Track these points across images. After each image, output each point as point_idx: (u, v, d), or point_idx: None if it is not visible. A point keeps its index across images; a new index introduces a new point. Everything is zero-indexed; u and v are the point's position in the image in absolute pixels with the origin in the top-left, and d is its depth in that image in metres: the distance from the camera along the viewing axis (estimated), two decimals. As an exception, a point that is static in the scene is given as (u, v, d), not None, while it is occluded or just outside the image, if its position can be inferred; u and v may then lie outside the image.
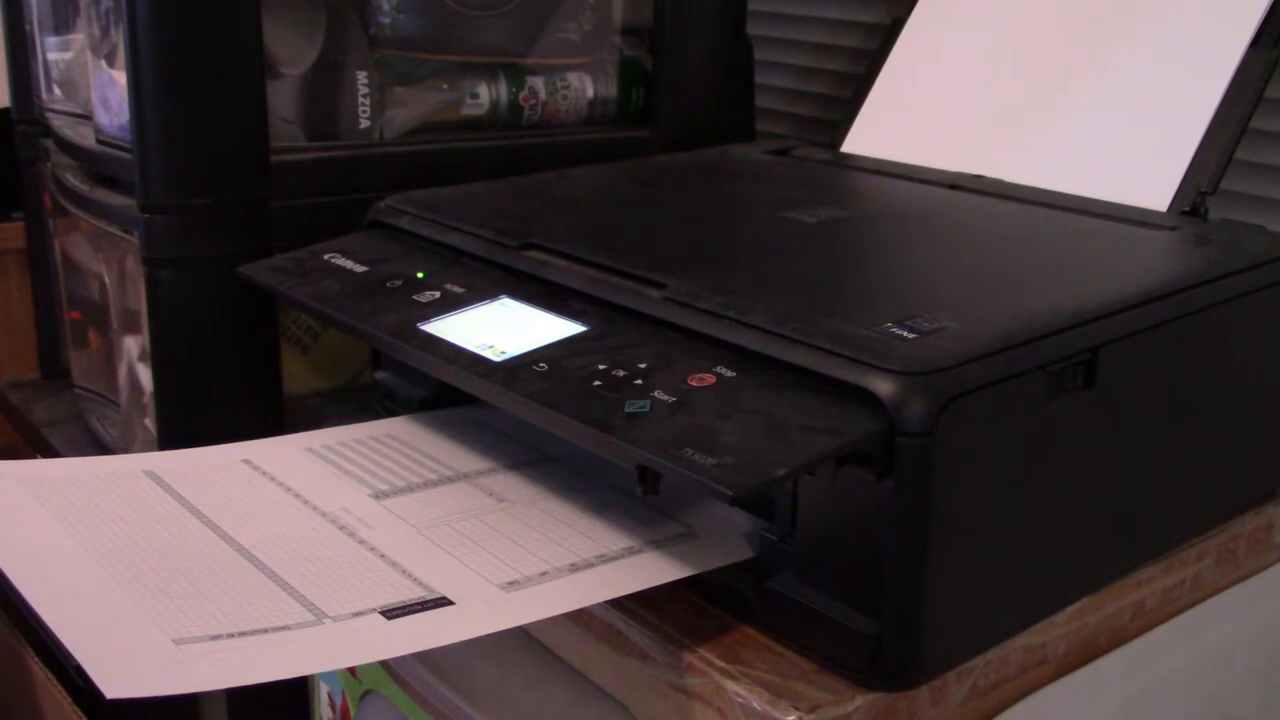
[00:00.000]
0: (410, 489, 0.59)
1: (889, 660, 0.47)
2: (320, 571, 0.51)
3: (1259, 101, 0.68)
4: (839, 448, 0.44)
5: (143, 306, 0.74)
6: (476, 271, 0.61)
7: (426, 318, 0.58)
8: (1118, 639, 0.58)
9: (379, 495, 0.58)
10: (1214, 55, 0.70)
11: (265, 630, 0.47)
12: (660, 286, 0.54)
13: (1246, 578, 0.65)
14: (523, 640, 0.61)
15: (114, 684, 0.43)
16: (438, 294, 0.60)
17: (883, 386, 0.44)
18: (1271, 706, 0.69)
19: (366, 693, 0.70)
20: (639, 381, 0.49)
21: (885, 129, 0.82)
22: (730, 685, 0.49)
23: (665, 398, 0.47)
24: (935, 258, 0.63)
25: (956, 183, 0.74)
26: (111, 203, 0.77)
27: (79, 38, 0.92)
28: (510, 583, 0.51)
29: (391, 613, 0.48)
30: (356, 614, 0.48)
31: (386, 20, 0.81)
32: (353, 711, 0.71)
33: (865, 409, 0.45)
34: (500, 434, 0.64)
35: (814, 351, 0.47)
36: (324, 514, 0.56)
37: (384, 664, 0.67)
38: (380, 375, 0.70)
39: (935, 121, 0.80)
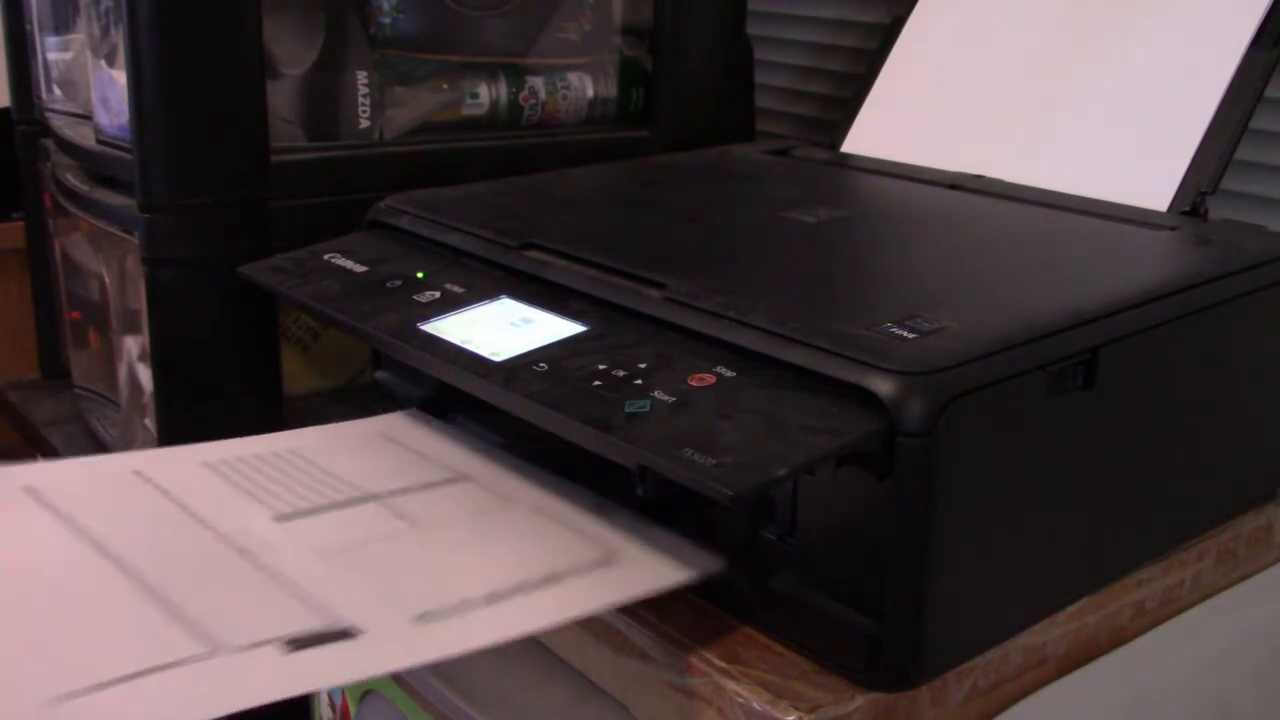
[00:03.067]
0: (315, 511, 0.55)
1: (889, 660, 0.47)
2: (216, 598, 0.47)
3: (1259, 101, 0.68)
4: (839, 448, 0.44)
5: (143, 306, 0.74)
6: (476, 271, 0.61)
7: (426, 318, 0.58)
8: (1118, 639, 0.58)
9: (281, 517, 0.54)
10: (1214, 55, 0.70)
11: (155, 669, 0.42)
12: (660, 286, 0.54)
13: (1246, 578, 0.65)
14: (523, 640, 0.61)
15: None
16: (438, 294, 0.60)
17: (883, 386, 0.44)
18: (1271, 706, 0.69)
19: (367, 693, 0.70)
20: (639, 381, 0.49)
21: (885, 129, 0.82)
22: (730, 685, 0.49)
23: (665, 398, 0.47)
24: (935, 258, 0.63)
25: (956, 183, 0.74)
26: (111, 203, 0.77)
27: (79, 38, 0.92)
28: (423, 614, 0.47)
29: (293, 644, 0.44)
30: (254, 645, 0.44)
31: (386, 20, 0.81)
32: (353, 711, 0.71)
33: (865, 409, 0.45)
34: (414, 453, 0.61)
35: (814, 351, 0.47)
36: (222, 535, 0.52)
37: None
38: (380, 375, 0.70)
39: (935, 121, 0.80)
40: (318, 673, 0.44)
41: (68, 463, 0.59)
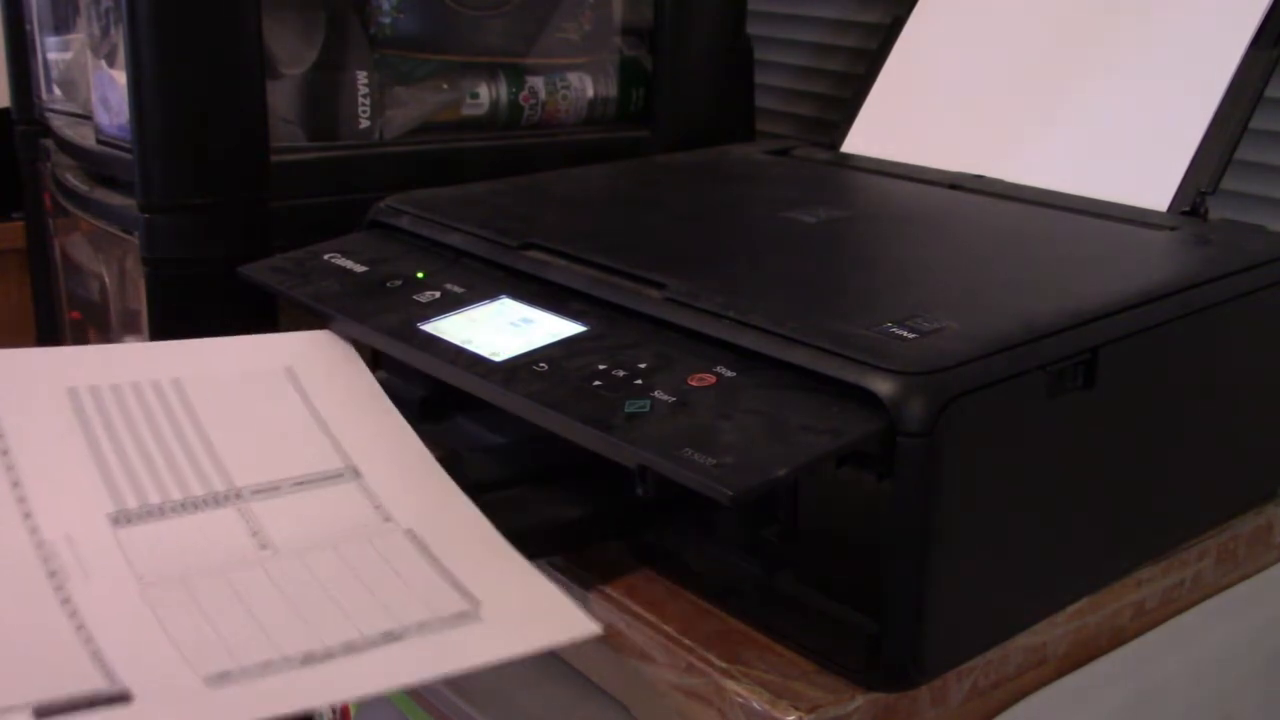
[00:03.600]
0: (162, 511, 0.49)
1: (889, 660, 0.47)
2: None
3: (1259, 101, 0.68)
4: (839, 448, 0.44)
5: (143, 306, 0.74)
6: (476, 271, 0.61)
7: (426, 318, 0.58)
8: (1118, 639, 0.58)
9: (119, 518, 0.48)
10: (1214, 55, 0.70)
11: None
12: (660, 286, 0.54)
13: (1246, 578, 0.65)
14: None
15: None
16: (438, 294, 0.60)
17: (883, 386, 0.44)
18: (1271, 707, 0.69)
19: (366, 693, 0.70)
20: (639, 381, 0.49)
21: (885, 129, 0.82)
22: (730, 685, 0.49)
23: (665, 398, 0.47)
24: (935, 258, 0.63)
25: (956, 183, 0.74)
26: (111, 203, 0.77)
27: (79, 38, 0.92)
28: (220, 674, 0.41)
29: (46, 711, 0.38)
30: (2, 712, 0.39)
31: (386, 20, 0.81)
32: (353, 711, 0.71)
33: (865, 409, 0.45)
34: (309, 413, 0.55)
35: (814, 351, 0.47)
36: (40, 544, 0.46)
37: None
38: (380, 375, 0.70)
39: (935, 121, 0.80)
40: None
41: None
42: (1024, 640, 0.53)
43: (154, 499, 0.49)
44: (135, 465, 0.50)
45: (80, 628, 0.43)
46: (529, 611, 0.46)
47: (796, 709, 0.47)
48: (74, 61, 0.95)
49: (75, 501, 0.48)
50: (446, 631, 0.45)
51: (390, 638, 0.44)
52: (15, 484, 0.48)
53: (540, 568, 0.49)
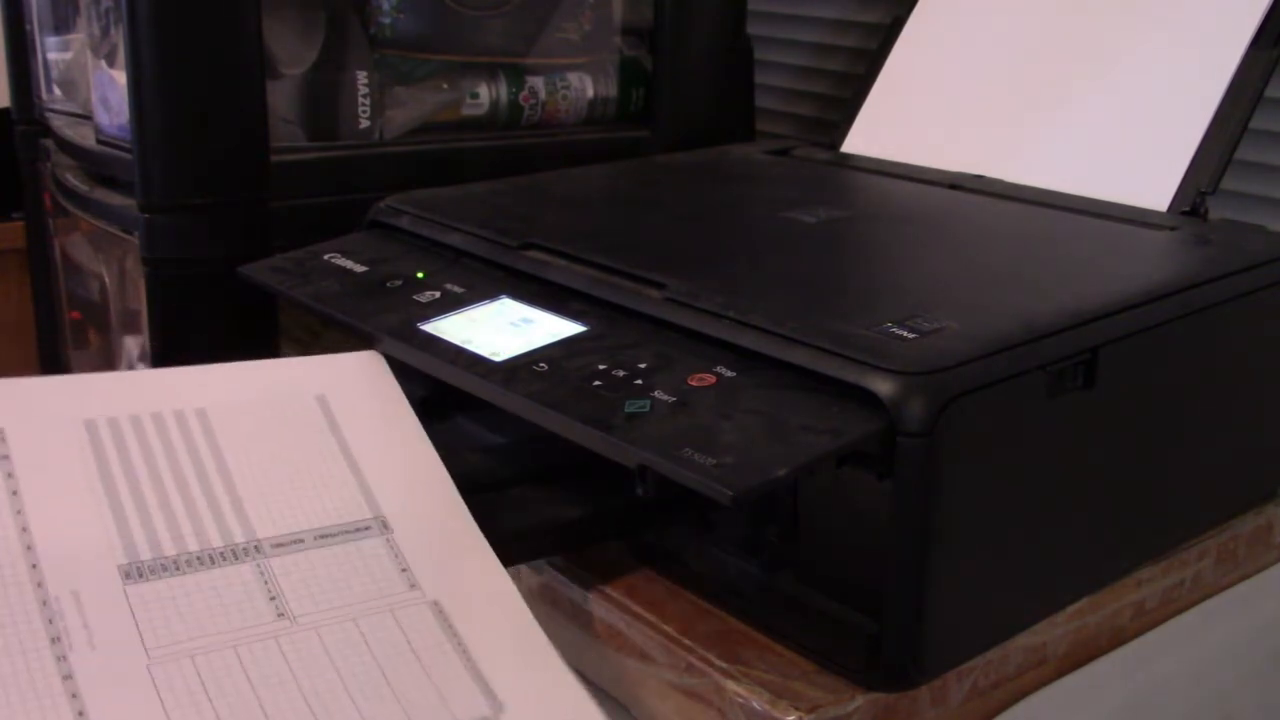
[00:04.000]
0: (177, 566, 0.45)
1: (889, 660, 0.47)
2: None
3: (1259, 101, 0.68)
4: (839, 448, 0.44)
5: (143, 306, 0.74)
6: (476, 271, 0.61)
7: (426, 318, 0.58)
8: (1118, 639, 0.58)
9: (130, 573, 0.45)
10: (1214, 55, 0.70)
11: None
12: (660, 286, 0.54)
13: (1246, 578, 0.65)
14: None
15: None
16: (438, 294, 0.60)
17: (883, 386, 0.44)
18: (1271, 706, 0.69)
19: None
20: (639, 381, 0.49)
21: (885, 129, 0.82)
22: (730, 685, 0.49)
23: (665, 398, 0.47)
24: (935, 258, 0.63)
25: (956, 183, 0.74)
26: (111, 203, 0.77)
27: (79, 38, 0.92)
28: None
29: None
30: None
31: (386, 20, 0.81)
32: None
33: (865, 409, 0.45)
34: (337, 450, 0.52)
35: (814, 351, 0.47)
36: (44, 602, 0.43)
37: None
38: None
39: (935, 121, 0.80)
40: None
41: None
42: (1024, 640, 0.53)
43: (169, 550, 0.46)
44: (151, 509, 0.47)
45: (80, 714, 0.40)
46: (552, 716, 0.44)
47: (796, 709, 0.47)
48: (74, 61, 0.95)
49: (86, 550, 0.45)
50: None
51: None
52: (24, 529, 0.45)
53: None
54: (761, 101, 1.10)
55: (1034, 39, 0.78)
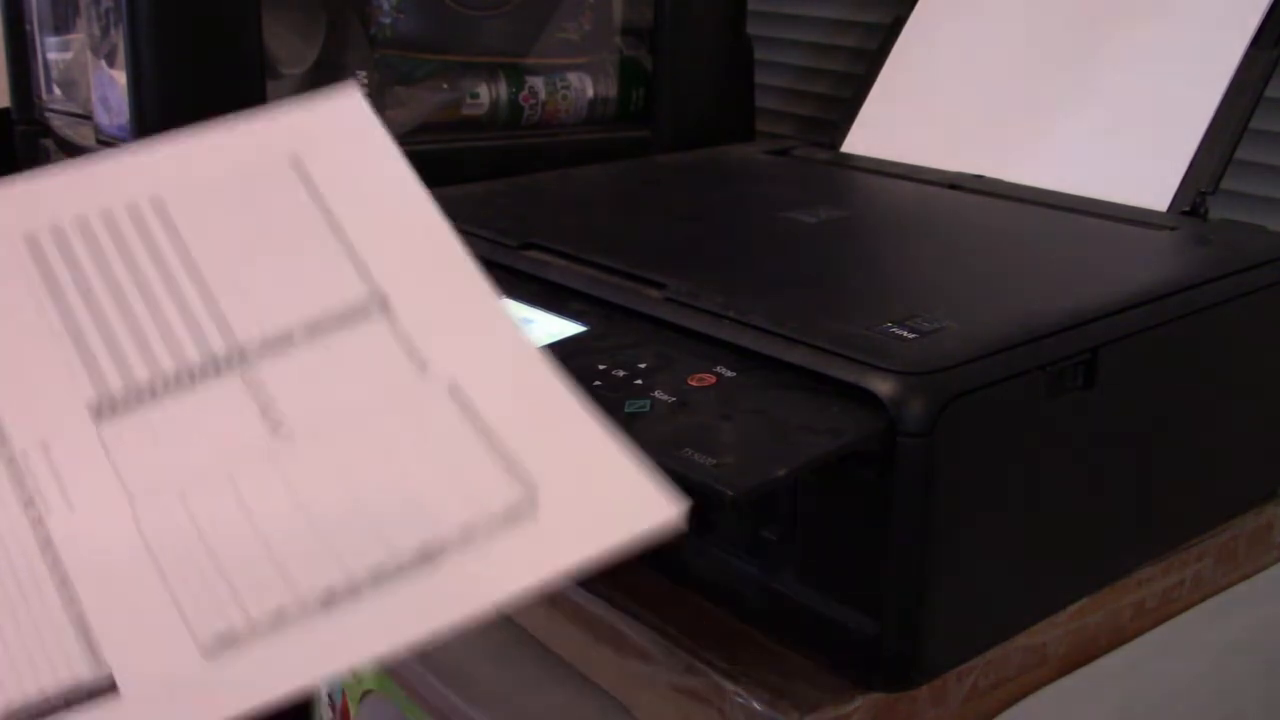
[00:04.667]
0: (153, 392, 0.39)
1: (889, 660, 0.47)
2: None
3: (1259, 101, 0.68)
4: (839, 448, 0.44)
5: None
6: (476, 271, 0.61)
7: (426, 318, 0.58)
8: (1118, 639, 0.58)
9: (103, 408, 0.39)
10: (1214, 55, 0.70)
11: None
12: (660, 286, 0.54)
13: (1246, 578, 0.65)
14: (523, 640, 0.61)
15: None
16: (438, 294, 0.60)
17: (883, 386, 0.44)
18: (1272, 706, 0.69)
19: (366, 693, 0.70)
20: (639, 381, 0.49)
21: (885, 129, 0.82)
22: (730, 685, 0.49)
23: (665, 398, 0.47)
24: (935, 258, 0.63)
25: (956, 183, 0.74)
26: (111, 203, 0.77)
27: (79, 38, 0.92)
28: (223, 635, 0.34)
29: (18, 717, 0.32)
30: None
31: (386, 20, 0.81)
32: (353, 711, 0.71)
33: (865, 409, 0.45)
34: (319, 218, 0.44)
35: (814, 351, 0.47)
36: (9, 459, 0.37)
37: (384, 664, 0.67)
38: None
39: (935, 121, 0.80)
40: None
41: None
42: (1024, 640, 0.53)
43: (142, 374, 0.40)
44: (116, 330, 0.41)
45: (64, 581, 0.35)
46: (594, 497, 0.38)
47: (796, 709, 0.47)
48: (74, 61, 0.95)
49: (49, 391, 0.39)
50: (493, 540, 0.36)
51: (425, 556, 0.36)
52: None
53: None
54: (761, 101, 1.10)
55: (1034, 39, 0.78)
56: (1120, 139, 0.71)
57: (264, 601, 0.34)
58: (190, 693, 0.33)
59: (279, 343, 0.41)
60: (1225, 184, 0.68)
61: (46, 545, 0.36)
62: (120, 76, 0.75)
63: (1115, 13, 0.75)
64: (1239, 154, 0.68)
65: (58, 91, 0.98)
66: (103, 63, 0.79)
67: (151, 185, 0.44)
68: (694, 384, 0.48)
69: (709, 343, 0.50)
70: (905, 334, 0.48)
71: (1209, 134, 0.68)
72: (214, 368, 0.40)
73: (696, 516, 0.54)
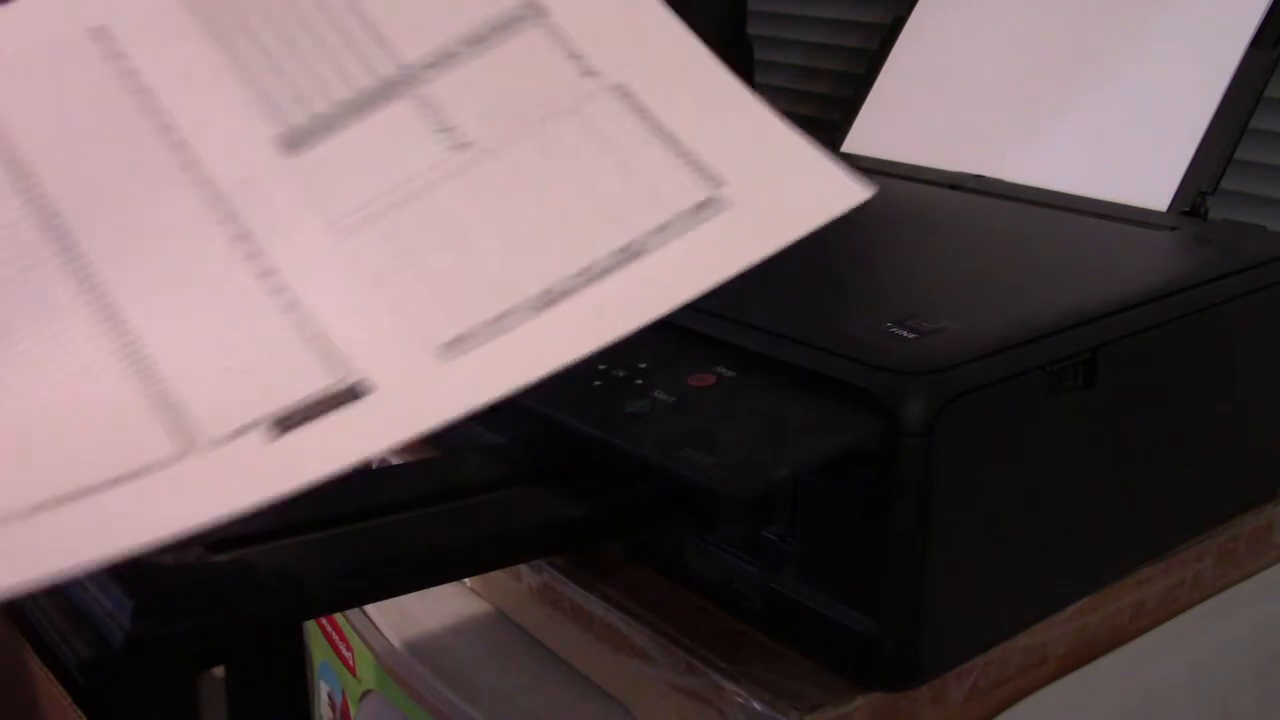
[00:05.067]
0: (333, 120, 0.40)
1: (889, 660, 0.47)
2: (204, 345, 0.35)
3: (1259, 101, 0.68)
4: (839, 448, 0.44)
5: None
6: (476, 271, 0.61)
7: (427, 317, 0.58)
8: (1118, 639, 0.58)
9: (290, 139, 0.40)
10: (1214, 55, 0.70)
11: (111, 483, 0.32)
12: (660, 286, 0.54)
13: (1246, 578, 0.65)
14: (523, 640, 0.61)
15: None
16: (438, 294, 0.60)
17: (883, 386, 0.44)
18: (1271, 706, 0.69)
19: (366, 693, 0.70)
20: (639, 381, 0.49)
21: (885, 129, 0.82)
22: (730, 685, 0.49)
23: (665, 398, 0.47)
24: (935, 258, 0.63)
25: (956, 183, 0.74)
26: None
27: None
28: (453, 341, 0.35)
29: (286, 422, 0.34)
30: (238, 432, 0.33)
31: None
32: (353, 711, 0.71)
33: (865, 409, 0.45)
34: None
35: (814, 351, 0.47)
36: (217, 198, 0.38)
37: (384, 664, 0.67)
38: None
39: (936, 121, 0.80)
40: (305, 464, 0.33)
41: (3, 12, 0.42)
42: (1024, 640, 0.53)
43: (320, 105, 0.40)
44: (285, 63, 0.41)
45: (293, 305, 0.36)
46: (781, 185, 0.38)
47: (796, 709, 0.47)
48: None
49: (237, 132, 0.40)
50: (689, 233, 0.37)
51: (627, 255, 0.37)
52: (166, 126, 0.39)
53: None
54: (761, 101, 1.10)
55: (1034, 39, 0.78)
56: (1120, 139, 0.71)
57: (485, 308, 0.35)
58: (433, 388, 0.34)
59: (444, 60, 0.41)
60: (1225, 184, 0.68)
61: (268, 273, 0.37)
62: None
63: (1114, 13, 0.75)
64: (1239, 154, 0.68)
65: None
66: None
67: None
68: (694, 384, 0.48)
69: (709, 343, 0.50)
70: (905, 334, 0.48)
71: (1209, 134, 0.68)
72: (387, 90, 0.40)
73: (696, 516, 0.55)
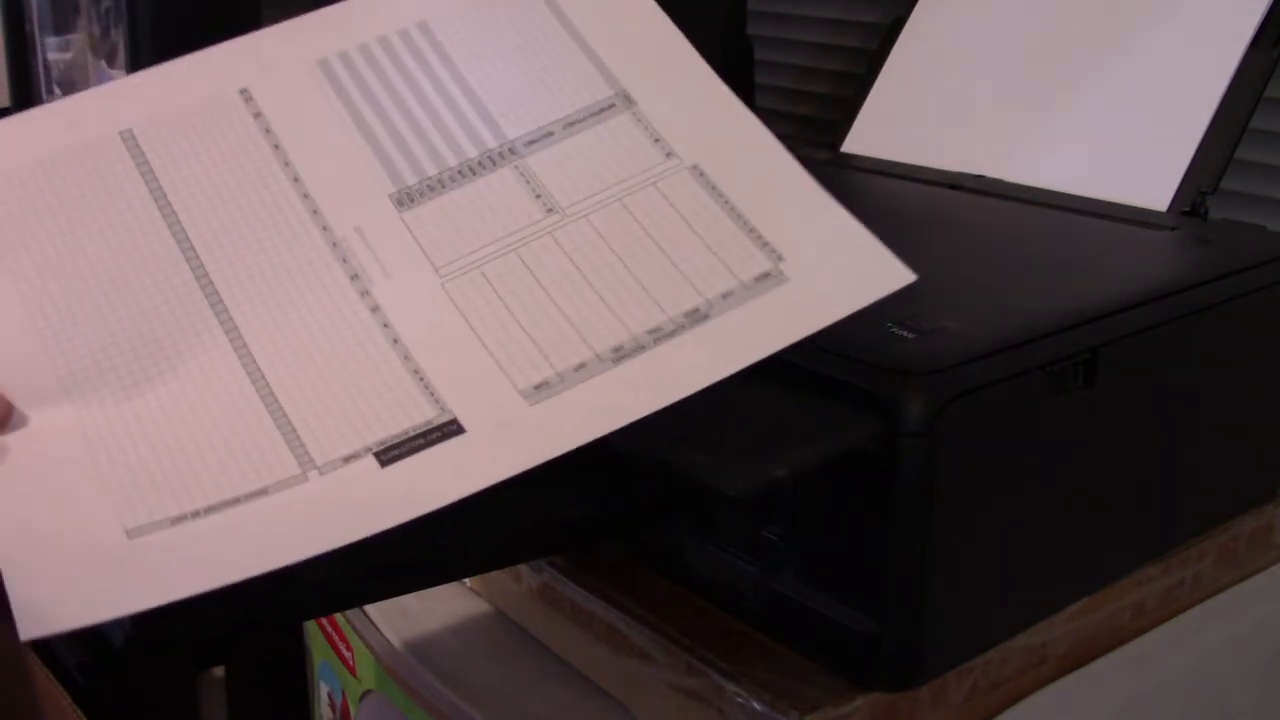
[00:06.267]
0: (442, 184, 0.45)
1: (889, 660, 0.47)
2: (318, 373, 0.39)
3: (1259, 101, 0.68)
4: (839, 448, 0.44)
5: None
6: (476, 271, 0.61)
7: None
8: (1118, 639, 0.58)
9: (403, 198, 0.45)
10: (1214, 55, 0.70)
11: (238, 500, 0.36)
12: (660, 286, 0.54)
13: (1246, 578, 0.65)
14: (523, 640, 0.61)
15: (36, 617, 0.32)
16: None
17: (883, 386, 0.44)
18: (1271, 706, 0.69)
19: (366, 693, 0.70)
20: (639, 381, 0.49)
21: (885, 129, 0.82)
22: (730, 685, 0.49)
23: (665, 398, 0.47)
24: (935, 258, 0.63)
25: (956, 183, 0.74)
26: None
27: (79, 38, 0.92)
28: (539, 385, 0.39)
29: (388, 453, 0.37)
30: (348, 459, 0.37)
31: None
32: (353, 711, 0.71)
33: (865, 409, 0.45)
34: (569, 40, 0.49)
35: (814, 351, 0.47)
36: (334, 244, 0.43)
37: (384, 664, 0.67)
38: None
39: (935, 121, 0.80)
40: (410, 495, 0.36)
41: (167, 71, 0.48)
42: (1024, 640, 0.53)
43: (430, 170, 0.46)
44: (404, 134, 0.47)
45: (395, 341, 0.41)
46: (836, 264, 0.42)
47: (796, 709, 0.47)
48: (74, 61, 0.95)
49: (356, 186, 0.45)
50: (752, 301, 0.41)
51: (696, 318, 0.41)
52: (295, 179, 0.45)
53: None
54: (761, 101, 1.10)
55: (1034, 39, 0.78)
56: (1120, 139, 0.71)
57: (566, 357, 0.40)
58: (521, 431, 0.38)
59: (543, 138, 0.47)
60: (1225, 184, 0.68)
61: (375, 310, 0.42)
62: (121, 76, 0.75)
63: (1114, 13, 0.75)
64: (1239, 154, 0.68)
65: (58, 91, 0.98)
66: (103, 63, 0.79)
67: (416, 13, 0.50)
68: (694, 384, 0.48)
69: (709, 343, 0.50)
70: (905, 334, 0.48)
71: (1209, 134, 0.68)
72: (490, 161, 0.46)
73: (696, 516, 0.55)
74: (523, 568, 0.58)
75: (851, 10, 1.08)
